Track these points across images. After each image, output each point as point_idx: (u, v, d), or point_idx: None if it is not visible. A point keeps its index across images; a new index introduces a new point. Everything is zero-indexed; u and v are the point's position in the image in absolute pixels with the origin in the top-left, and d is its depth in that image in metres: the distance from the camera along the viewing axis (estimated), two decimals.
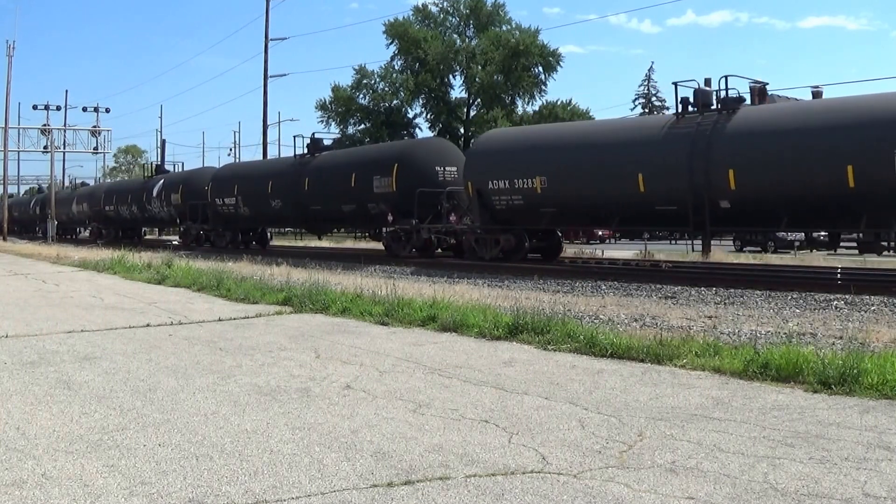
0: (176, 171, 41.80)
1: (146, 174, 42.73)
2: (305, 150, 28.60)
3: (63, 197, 54.85)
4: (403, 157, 23.75)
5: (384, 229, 24.94)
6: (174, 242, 40.31)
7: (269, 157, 44.80)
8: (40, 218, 56.64)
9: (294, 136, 37.71)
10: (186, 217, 34.89)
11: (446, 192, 22.45)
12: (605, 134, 18.77)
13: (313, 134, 28.93)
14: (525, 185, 19.29)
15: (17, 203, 67.48)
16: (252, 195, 30.08)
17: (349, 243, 38.02)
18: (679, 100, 17.27)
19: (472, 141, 22.43)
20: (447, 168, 23.31)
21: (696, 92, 16.94)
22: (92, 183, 64.26)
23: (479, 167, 20.68)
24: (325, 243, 37.50)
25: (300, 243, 41.11)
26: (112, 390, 6.04)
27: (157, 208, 38.09)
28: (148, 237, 52.75)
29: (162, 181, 38.06)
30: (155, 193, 37.77)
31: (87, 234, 54.43)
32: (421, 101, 58.03)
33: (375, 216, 24.34)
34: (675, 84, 17.55)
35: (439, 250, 23.83)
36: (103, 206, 44.78)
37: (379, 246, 28.24)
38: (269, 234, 36.22)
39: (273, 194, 28.71)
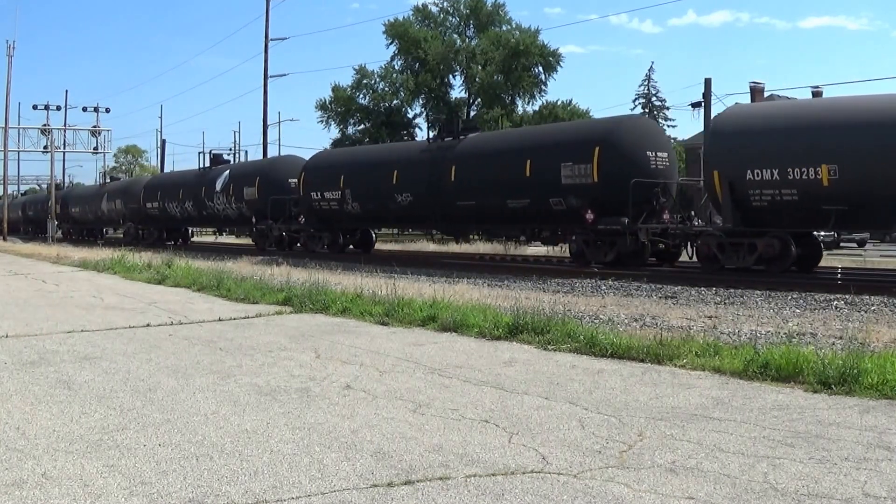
0: (238, 160, 36.89)
1: (202, 165, 35.91)
2: (441, 133, 23.63)
3: (87, 193, 49.72)
4: (609, 138, 18.29)
5: (573, 231, 19.38)
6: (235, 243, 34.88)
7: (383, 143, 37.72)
8: (61, 217, 51.35)
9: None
10: (266, 215, 28.56)
11: (662, 184, 18.14)
12: None
13: (455, 113, 23.39)
14: (802, 176, 14.73)
15: (32, 201, 61.85)
16: (367, 188, 24.41)
17: (481, 246, 29.80)
18: None
19: (714, 118, 18.58)
20: (658, 154, 18.49)
21: None
22: (88, 183, 63.04)
23: (731, 152, 15.87)
24: (456, 247, 30.47)
25: (413, 246, 34.27)
26: (112, 390, 6.04)
27: (220, 205, 32.04)
28: (195, 239, 46.02)
29: (227, 172, 32.29)
30: (219, 187, 31.80)
31: (116, 234, 49.55)
32: (421, 101, 58.01)
33: (561, 214, 18.96)
34: None
35: (653, 258, 18.82)
36: (144, 203, 38.35)
37: (548, 252, 24.32)
38: (373, 235, 29.91)
39: (400, 187, 22.95)
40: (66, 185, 66.85)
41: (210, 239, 49.55)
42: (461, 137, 22.39)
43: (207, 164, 35.12)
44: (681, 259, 18.79)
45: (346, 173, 25.36)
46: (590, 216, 18.03)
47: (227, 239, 47.11)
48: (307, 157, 30.22)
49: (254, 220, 29.92)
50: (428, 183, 22.10)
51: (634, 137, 18.53)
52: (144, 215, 38.83)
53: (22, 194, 70.47)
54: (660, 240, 18.02)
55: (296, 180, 27.83)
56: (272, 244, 29.16)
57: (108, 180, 49.28)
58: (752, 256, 15.82)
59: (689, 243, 17.79)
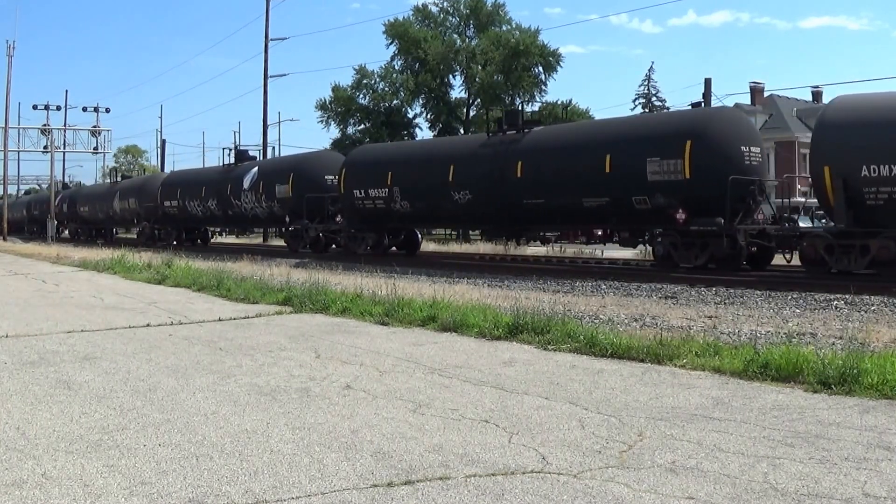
0: (265, 157, 34.26)
1: (225, 161, 33.83)
2: (502, 125, 21.76)
3: (98, 192, 47.53)
4: (702, 131, 16.77)
5: (656, 231, 17.76)
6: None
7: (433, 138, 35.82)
8: (69, 217, 49.99)
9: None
10: (301, 214, 26.46)
11: (758, 181, 16.81)
12: None
13: (519, 105, 20.77)
14: None
15: (36, 200, 59.04)
16: (418, 185, 22.44)
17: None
18: None
19: (824, 109, 16.88)
20: (752, 148, 17.12)
21: None
22: (88, 183, 62.12)
23: (844, 146, 14.55)
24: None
25: (457, 248, 31.59)
26: (112, 390, 6.04)
27: (249, 203, 29.94)
28: (217, 240, 42.68)
29: (255, 169, 30.03)
30: (247, 185, 29.68)
31: (129, 235, 48.28)
32: (421, 101, 58.06)
33: (645, 213, 17.29)
34: None
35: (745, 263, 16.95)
36: (161, 202, 36.13)
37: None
38: (419, 235, 27.66)
39: (457, 184, 21.07)
40: (65, 185, 66.48)
41: (231, 240, 46.63)
42: (526, 130, 20.44)
43: (231, 161, 33.23)
44: (774, 262, 17.50)
45: (394, 169, 23.30)
46: (681, 216, 16.41)
47: (244, 240, 44.66)
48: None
49: (287, 219, 27.80)
50: (489, 179, 20.13)
51: (728, 130, 17.06)
52: (162, 214, 36.70)
53: (25, 193, 69.42)
54: (758, 242, 16.61)
55: (333, 177, 26.30)
56: (307, 245, 27.13)
57: (119, 178, 47.24)
58: (865, 259, 14.51)
59: (787, 246, 16.43)
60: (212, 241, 39.46)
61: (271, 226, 32.48)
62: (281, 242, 35.09)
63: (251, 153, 34.34)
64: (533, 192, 19.13)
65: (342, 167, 25.46)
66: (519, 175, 19.43)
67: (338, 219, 25.93)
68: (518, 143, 20.09)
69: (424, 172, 22.36)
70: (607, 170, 17.49)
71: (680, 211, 16.46)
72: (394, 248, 25.70)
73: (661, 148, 16.79)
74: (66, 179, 68.89)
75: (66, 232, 52.91)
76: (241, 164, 32.29)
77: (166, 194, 36.09)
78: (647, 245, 19.45)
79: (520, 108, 56.82)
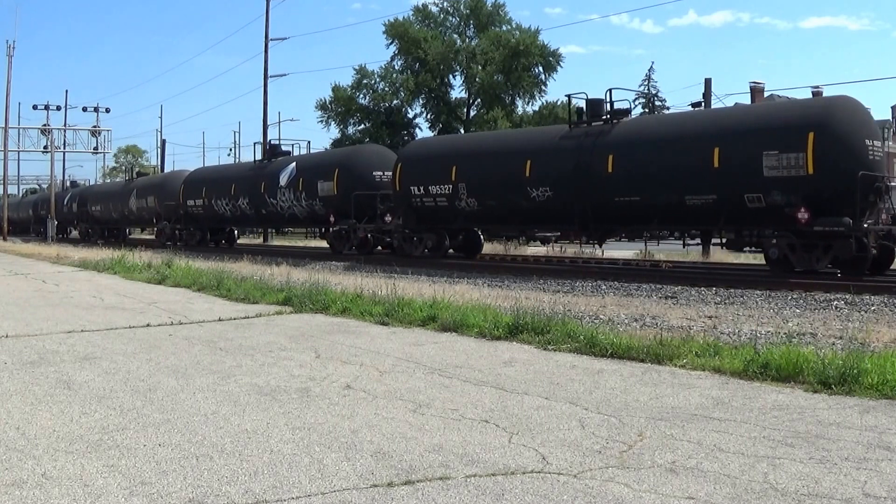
0: (297, 152, 31.22)
1: (257, 158, 31.73)
2: (577, 116, 19.74)
3: (111, 190, 45.48)
4: (826, 122, 15.08)
5: (769, 233, 15.87)
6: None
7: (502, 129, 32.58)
8: (79, 216, 47.95)
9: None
10: (348, 213, 24.65)
11: (882, 178, 15.52)
12: None
13: (609, 92, 18.75)
14: None
15: (44, 199, 55.94)
16: (488, 181, 20.41)
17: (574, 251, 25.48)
18: None
19: None
20: (875, 143, 15.62)
21: None
22: (86, 184, 60.32)
23: None
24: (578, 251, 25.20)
25: (518, 250, 28.41)
26: (112, 390, 6.04)
27: (286, 202, 27.93)
28: (242, 241, 40.02)
29: (293, 165, 27.92)
30: (284, 182, 27.66)
31: (144, 236, 47.05)
32: (421, 101, 58.03)
33: (759, 212, 15.62)
34: None
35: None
36: (183, 201, 34.09)
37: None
38: (482, 237, 25.20)
39: (534, 179, 19.10)
40: (65, 185, 66.02)
41: (258, 241, 42.88)
42: (614, 121, 18.57)
43: (260, 157, 31.07)
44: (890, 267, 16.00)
45: (459, 163, 21.23)
46: (803, 215, 14.79)
47: (274, 241, 41.41)
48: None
49: (332, 219, 25.64)
50: (573, 175, 18.24)
51: (851, 121, 15.47)
52: (184, 214, 34.43)
53: (31, 192, 68.15)
54: (884, 243, 15.35)
55: (381, 172, 24.68)
56: (352, 247, 25.10)
57: (135, 176, 44.24)
58: None
59: None
60: (237, 241, 37.49)
61: (311, 226, 30.23)
62: (311, 243, 33.95)
63: (284, 148, 31.73)
64: (626, 189, 17.28)
65: (397, 162, 23.52)
66: (610, 170, 17.51)
67: (386, 218, 24.16)
68: (607, 135, 18.17)
69: (496, 167, 20.24)
70: (715, 164, 15.86)
71: (802, 210, 14.85)
72: (451, 251, 23.54)
73: (779, 140, 15.18)
74: (67, 179, 68.07)
75: (75, 232, 51.12)
76: (276, 159, 30.04)
77: (190, 192, 33.92)
78: (752, 248, 17.49)
79: (520, 108, 56.97)
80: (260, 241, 41.99)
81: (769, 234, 15.86)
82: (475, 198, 20.83)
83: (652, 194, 16.89)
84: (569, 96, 20.29)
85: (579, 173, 18.13)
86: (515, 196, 19.59)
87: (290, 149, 31.58)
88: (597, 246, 21.89)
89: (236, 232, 36.93)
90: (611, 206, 17.82)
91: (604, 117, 18.83)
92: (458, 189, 21.08)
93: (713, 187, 16.00)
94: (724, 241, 17.53)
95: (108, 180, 67.59)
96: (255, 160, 31.56)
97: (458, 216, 21.60)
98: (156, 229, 38.63)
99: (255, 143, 46.86)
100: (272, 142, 31.51)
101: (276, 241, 42.23)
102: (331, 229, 26.21)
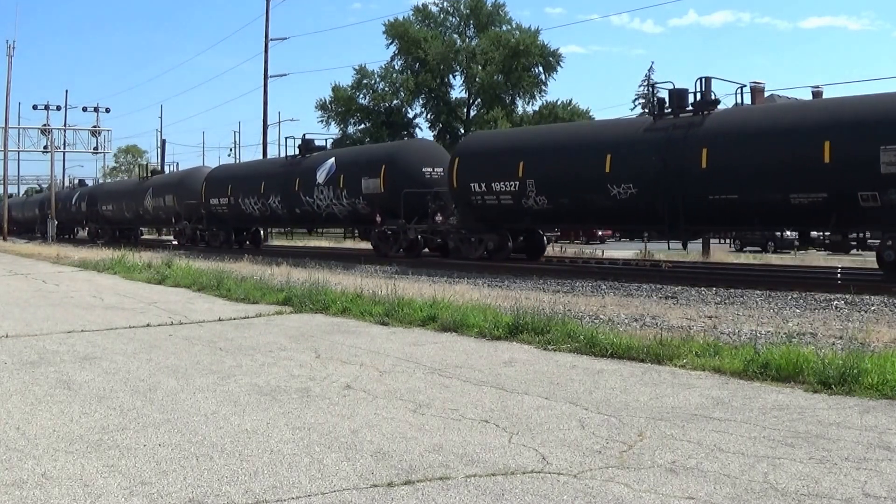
0: (328, 147, 29.06)
1: (289, 153, 29.40)
2: (658, 107, 17.86)
3: (124, 189, 43.32)
4: None
5: (886, 234, 14.58)
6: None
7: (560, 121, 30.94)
8: (88, 216, 45.88)
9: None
10: (397, 213, 22.74)
11: None
12: None
13: (705, 79, 17.14)
14: None
15: (49, 199, 52.53)
16: (560, 178, 18.60)
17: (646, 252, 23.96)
18: None
19: None
20: None
21: None
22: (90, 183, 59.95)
23: None
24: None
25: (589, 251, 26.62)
26: (112, 390, 6.04)
27: (324, 200, 25.85)
28: (270, 243, 37.77)
29: (331, 161, 25.92)
30: (321, 179, 25.66)
31: (161, 237, 45.55)
32: (421, 101, 58.14)
33: (873, 212, 14.29)
34: None
35: None
36: (206, 199, 32.05)
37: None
38: (545, 238, 23.69)
39: (615, 176, 17.40)
40: (65, 184, 65.60)
41: (287, 242, 38.83)
42: (704, 113, 16.85)
43: (291, 153, 29.05)
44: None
45: (527, 158, 19.52)
46: None
47: (300, 241, 38.46)
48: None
49: (378, 219, 23.73)
50: (661, 171, 16.59)
51: None
52: (207, 213, 32.23)
53: (37, 191, 66.86)
54: None
55: (432, 169, 23.12)
56: (400, 249, 23.28)
57: (149, 174, 41.76)
58: None
59: None
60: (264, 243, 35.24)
61: (351, 226, 27.89)
62: (341, 244, 32.41)
63: (318, 142, 29.56)
64: (722, 186, 15.80)
65: (454, 157, 21.78)
66: (704, 165, 15.99)
67: (437, 218, 22.55)
68: (699, 128, 16.54)
69: (571, 162, 18.53)
70: (826, 160, 14.45)
71: None
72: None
73: None
74: (73, 178, 67.29)
75: (83, 233, 49.57)
76: (310, 155, 27.83)
77: (213, 190, 31.74)
78: (858, 250, 16.31)
79: (520, 108, 56.94)
80: (286, 241, 39.18)
81: (884, 236, 14.75)
82: (545, 195, 19.02)
83: (751, 192, 15.41)
84: (653, 85, 18.77)
85: (668, 169, 16.50)
86: (593, 194, 17.87)
87: (324, 143, 29.80)
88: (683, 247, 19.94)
89: (262, 232, 34.88)
90: (704, 205, 16.24)
91: (690, 108, 17.16)
92: (526, 186, 19.26)
93: (823, 185, 14.59)
94: (826, 242, 16.17)
95: (109, 180, 67.40)
96: (286, 156, 29.40)
97: (525, 215, 19.80)
98: (175, 230, 36.96)
99: (286, 138, 44.82)
100: (306, 136, 29.22)
101: (306, 242, 38.99)
102: (375, 230, 24.28)
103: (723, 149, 15.89)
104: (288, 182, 27.53)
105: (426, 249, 23.44)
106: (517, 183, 19.46)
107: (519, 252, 21.66)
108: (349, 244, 32.83)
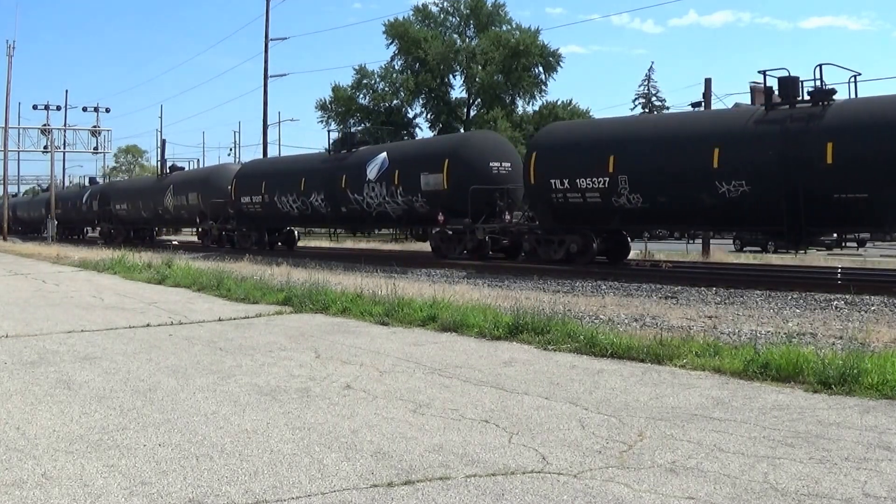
0: (378, 143, 27.00)
1: (332, 148, 27.36)
2: (773, 96, 16.01)
3: (141, 187, 41.11)
4: None
5: None
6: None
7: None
8: (100, 216, 43.72)
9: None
10: (463, 211, 20.76)
11: None
12: None
13: (818, 68, 15.31)
14: None
15: (60, 198, 50.76)
16: (658, 174, 16.75)
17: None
18: None
19: None
20: None
21: None
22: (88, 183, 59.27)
23: None
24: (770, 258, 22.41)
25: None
26: (112, 390, 6.04)
27: (375, 198, 23.86)
28: (307, 243, 34.93)
29: (383, 156, 23.87)
30: (372, 175, 23.68)
31: (182, 238, 44.34)
32: (421, 101, 58.09)
33: None
34: None
35: None
36: (237, 197, 29.84)
37: None
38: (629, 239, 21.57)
39: (723, 172, 15.62)
40: (65, 185, 65.27)
41: (317, 243, 36.23)
42: (825, 104, 15.00)
43: (336, 147, 27.07)
44: None
45: (618, 152, 17.55)
46: None
47: (335, 242, 35.79)
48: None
49: (441, 218, 21.68)
50: (778, 166, 14.95)
51: None
52: (237, 213, 30.24)
53: (44, 191, 66.24)
54: None
55: (499, 163, 21.53)
56: (464, 251, 21.40)
57: (168, 171, 39.25)
58: None
59: None
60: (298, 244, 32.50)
61: (406, 226, 25.98)
62: (385, 246, 30.89)
63: (358, 138, 27.76)
64: (850, 184, 14.08)
65: (530, 150, 19.88)
66: (829, 161, 14.30)
67: (505, 217, 21.08)
68: (820, 119, 14.80)
69: (671, 156, 16.64)
70: None
71: None
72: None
73: None
74: (67, 179, 67.10)
75: (95, 233, 47.68)
76: (357, 149, 26.03)
77: (244, 188, 29.51)
78: None
79: (520, 108, 56.79)
80: (321, 243, 36.34)
81: None
82: (640, 193, 17.10)
83: (886, 191, 13.77)
84: (763, 72, 16.42)
85: (785, 165, 14.90)
86: (698, 192, 16.06)
87: (366, 138, 27.59)
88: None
89: (297, 233, 32.47)
90: (828, 205, 14.56)
91: (807, 98, 15.46)
92: (618, 182, 17.35)
93: None
94: None
95: (109, 180, 67.33)
96: (328, 150, 27.41)
97: (615, 215, 17.90)
98: (199, 230, 34.78)
99: (328, 130, 41.55)
100: (349, 130, 27.83)
101: (354, 243, 36.73)
102: (435, 230, 22.26)
103: (852, 143, 14.21)
104: (333, 178, 25.43)
105: (489, 252, 21.69)
106: (607, 179, 17.57)
107: (603, 254, 19.72)
108: (392, 246, 30.14)
